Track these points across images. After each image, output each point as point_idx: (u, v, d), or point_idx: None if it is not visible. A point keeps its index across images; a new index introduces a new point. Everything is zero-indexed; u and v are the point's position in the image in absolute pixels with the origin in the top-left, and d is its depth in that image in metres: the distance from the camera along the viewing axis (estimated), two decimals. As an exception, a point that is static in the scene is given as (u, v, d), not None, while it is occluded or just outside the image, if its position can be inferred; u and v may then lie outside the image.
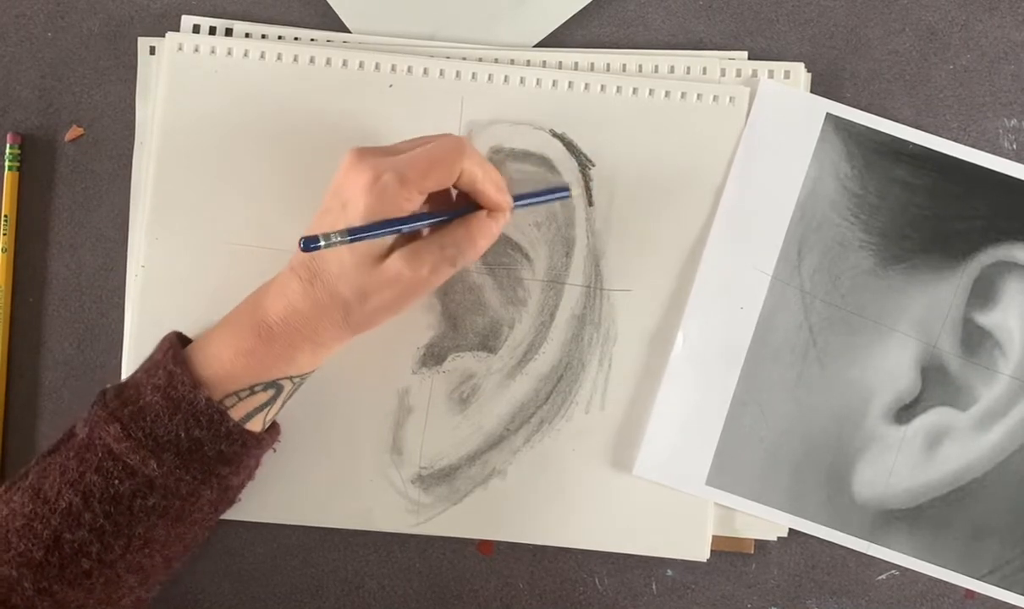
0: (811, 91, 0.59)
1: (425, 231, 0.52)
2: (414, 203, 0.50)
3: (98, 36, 0.60)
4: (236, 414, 0.50)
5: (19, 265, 0.60)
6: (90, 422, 0.50)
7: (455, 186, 0.51)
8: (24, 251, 0.60)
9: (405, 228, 0.50)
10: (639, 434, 0.58)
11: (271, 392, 0.51)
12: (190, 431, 0.49)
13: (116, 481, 0.49)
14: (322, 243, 0.46)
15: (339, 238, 0.47)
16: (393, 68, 0.58)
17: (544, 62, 0.59)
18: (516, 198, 0.54)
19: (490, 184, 0.51)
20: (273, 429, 0.55)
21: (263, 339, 0.50)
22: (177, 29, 0.60)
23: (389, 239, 0.50)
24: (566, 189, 0.57)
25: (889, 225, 0.58)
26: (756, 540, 0.59)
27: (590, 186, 0.58)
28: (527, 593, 0.60)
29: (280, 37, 0.60)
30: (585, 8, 0.60)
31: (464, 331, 0.58)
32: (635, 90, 0.58)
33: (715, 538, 0.59)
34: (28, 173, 0.60)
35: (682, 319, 0.58)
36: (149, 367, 0.51)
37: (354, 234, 0.48)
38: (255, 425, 0.52)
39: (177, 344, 0.51)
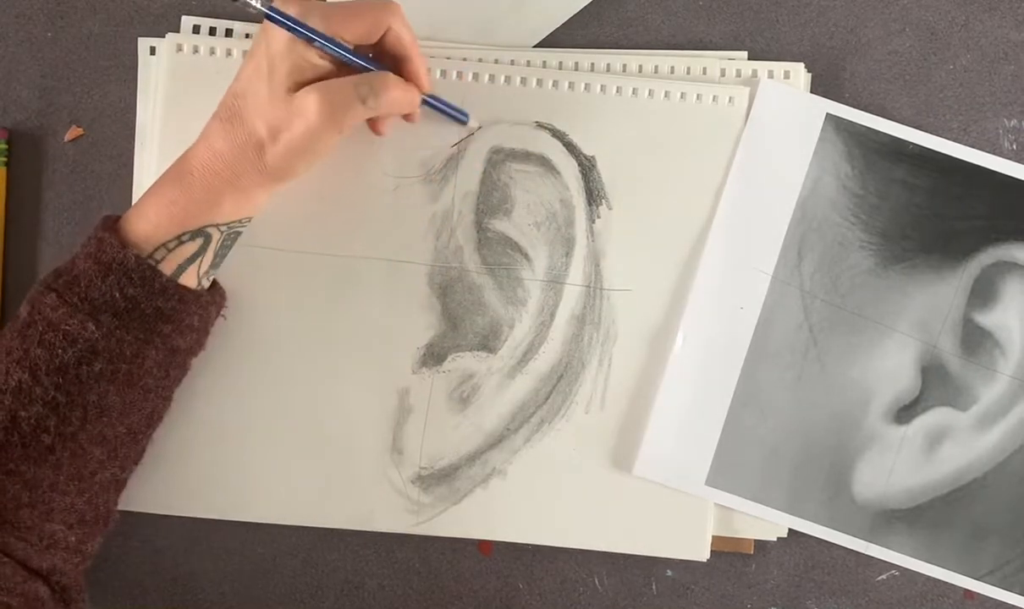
0: (811, 91, 0.59)
1: None
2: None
3: (98, 36, 0.60)
4: (167, 267, 0.51)
5: (19, 266, 0.60)
6: (30, 300, 0.51)
7: (381, 46, 0.53)
8: (24, 251, 0.60)
9: (322, 44, 0.50)
10: (639, 434, 0.58)
11: (199, 241, 0.52)
12: (124, 290, 0.50)
13: (59, 350, 0.49)
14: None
15: (257, 3, 0.50)
16: (393, 68, 0.58)
17: (544, 62, 0.59)
18: (431, 95, 0.56)
19: (418, 52, 0.53)
20: (216, 291, 0.55)
21: (184, 186, 0.51)
22: (177, 29, 0.60)
23: (306, 78, 0.51)
24: (465, 115, 0.57)
25: (889, 225, 0.58)
26: (756, 540, 0.59)
27: (590, 186, 0.58)
28: (527, 593, 0.60)
29: (280, 37, 0.60)
30: (585, 8, 0.59)
31: (464, 331, 0.59)
32: (635, 90, 0.58)
33: (715, 538, 0.59)
34: (28, 173, 0.60)
35: (682, 319, 0.58)
36: (83, 241, 0.52)
37: (272, 11, 0.49)
38: (189, 278, 0.52)
39: (111, 216, 0.52)
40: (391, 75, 0.53)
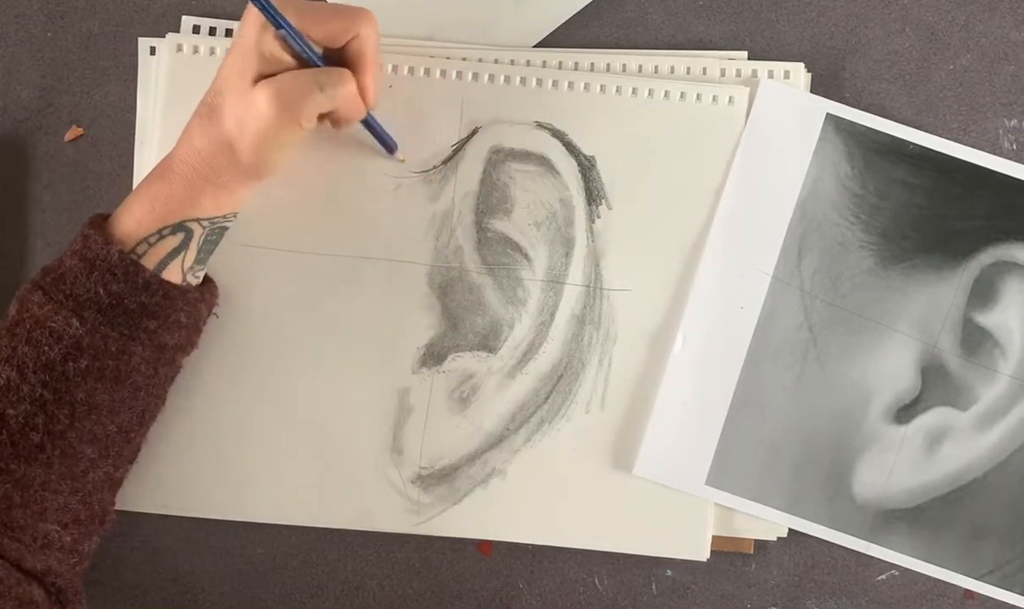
0: (811, 91, 0.59)
1: None
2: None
3: (98, 36, 0.60)
4: (149, 261, 0.51)
5: (19, 266, 0.60)
6: (18, 299, 0.51)
7: (344, 54, 0.52)
8: (25, 252, 0.60)
9: (288, 33, 0.50)
10: (639, 434, 0.58)
11: (180, 235, 0.52)
12: (108, 286, 0.50)
13: (45, 347, 0.50)
14: None
15: None
16: (393, 68, 0.58)
17: (544, 62, 0.59)
18: (371, 115, 0.55)
19: (376, 65, 0.53)
20: (207, 289, 0.55)
21: (166, 181, 0.52)
22: (177, 29, 0.60)
23: (271, 72, 0.50)
24: (394, 149, 0.57)
25: (889, 225, 0.58)
26: (756, 540, 0.59)
27: (590, 186, 0.58)
28: (527, 593, 0.60)
29: (280, 37, 0.60)
30: (585, 8, 0.60)
31: (464, 331, 0.59)
32: (635, 90, 0.58)
33: (715, 538, 0.59)
34: (29, 173, 0.60)
35: (682, 319, 0.58)
36: (71, 239, 0.52)
37: None
38: (173, 274, 0.52)
39: (100, 215, 0.53)
40: (350, 73, 0.52)
